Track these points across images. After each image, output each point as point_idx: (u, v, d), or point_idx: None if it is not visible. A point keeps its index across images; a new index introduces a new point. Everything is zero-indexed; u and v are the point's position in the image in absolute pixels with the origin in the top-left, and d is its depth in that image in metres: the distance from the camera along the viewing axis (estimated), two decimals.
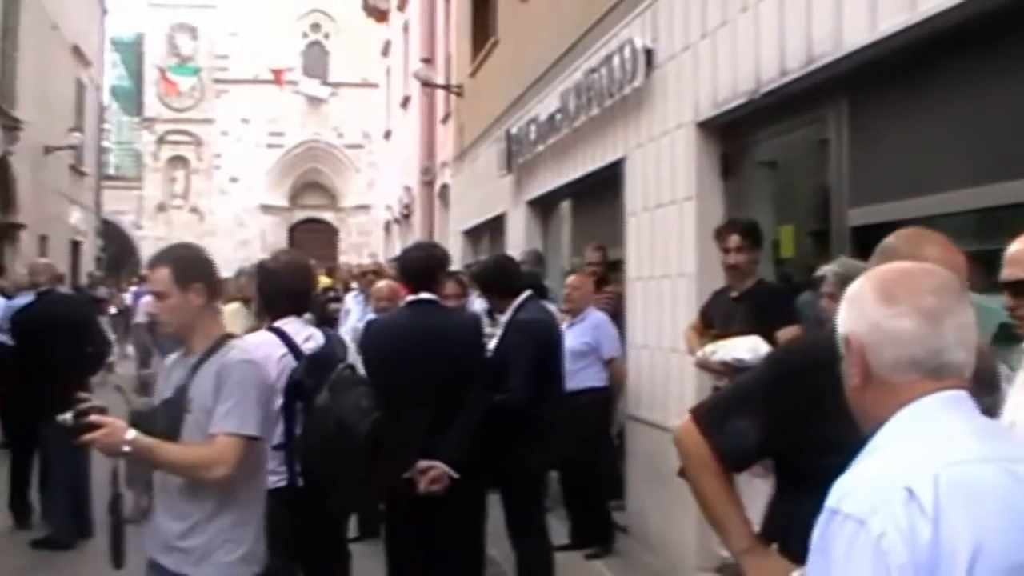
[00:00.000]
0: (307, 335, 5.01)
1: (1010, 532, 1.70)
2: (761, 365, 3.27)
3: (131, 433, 3.57)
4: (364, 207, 45.73)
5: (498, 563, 7.09)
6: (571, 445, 7.18)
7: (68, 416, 3.58)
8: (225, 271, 10.74)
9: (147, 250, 44.81)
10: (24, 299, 10.95)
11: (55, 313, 8.82)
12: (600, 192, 10.16)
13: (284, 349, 4.91)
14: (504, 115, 14.32)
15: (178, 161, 48.08)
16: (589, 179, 10.30)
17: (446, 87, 19.89)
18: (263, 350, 5.28)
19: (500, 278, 6.59)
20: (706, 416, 2.98)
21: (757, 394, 2.92)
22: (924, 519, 1.67)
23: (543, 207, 13.03)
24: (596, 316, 8.38)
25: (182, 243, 4.37)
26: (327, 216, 48.32)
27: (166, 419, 3.74)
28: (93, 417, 3.55)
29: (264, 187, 47.16)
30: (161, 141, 47.90)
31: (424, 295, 5.74)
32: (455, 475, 5.48)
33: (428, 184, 23.31)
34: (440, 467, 5.47)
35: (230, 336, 3.90)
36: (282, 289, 5.09)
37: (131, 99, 48.26)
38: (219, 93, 47.73)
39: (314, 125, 47.87)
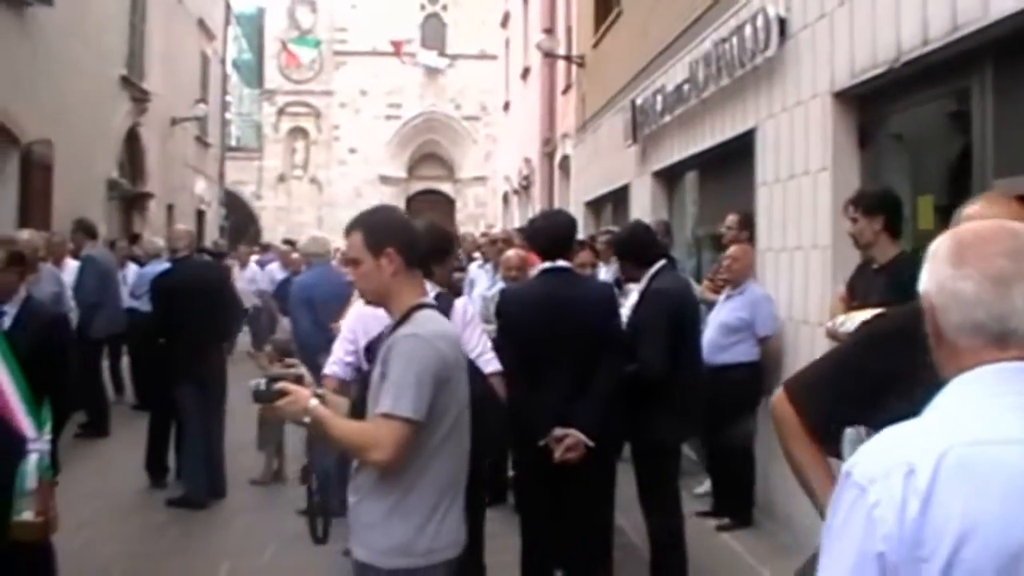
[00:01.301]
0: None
1: (1013, 518, 1.66)
2: (851, 336, 3.28)
3: (313, 402, 3.56)
4: (481, 178, 45.96)
5: (625, 532, 7.10)
6: (716, 418, 7.14)
7: (261, 381, 3.64)
8: (342, 242, 10.94)
9: (267, 220, 45.70)
10: (157, 266, 11.27)
11: (193, 279, 9.02)
12: (729, 163, 10.04)
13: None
14: (628, 86, 14.23)
15: (298, 132, 48.73)
16: (718, 150, 10.19)
17: (568, 58, 19.82)
18: (370, 311, 5.35)
19: (638, 246, 6.54)
20: (797, 387, 3.07)
21: (845, 365, 2.98)
22: (915, 496, 1.67)
23: (669, 178, 12.93)
24: (755, 291, 8.19)
25: (377, 207, 4.19)
26: (444, 187, 48.59)
27: (363, 392, 3.66)
28: (281, 385, 3.60)
29: (382, 158, 47.58)
30: (281, 113, 48.58)
31: (557, 263, 5.73)
32: (590, 443, 5.49)
33: (548, 155, 23.30)
34: (576, 435, 5.48)
35: (423, 305, 3.70)
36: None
37: (252, 72, 49.01)
38: (338, 65, 48.22)
39: (432, 97, 48.15)
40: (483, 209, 44.69)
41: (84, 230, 12.75)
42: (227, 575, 7.30)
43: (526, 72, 26.93)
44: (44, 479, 5.22)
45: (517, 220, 26.98)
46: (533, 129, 25.06)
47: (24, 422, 5.21)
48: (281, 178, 47.99)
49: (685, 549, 6.29)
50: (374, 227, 3.74)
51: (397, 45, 46.07)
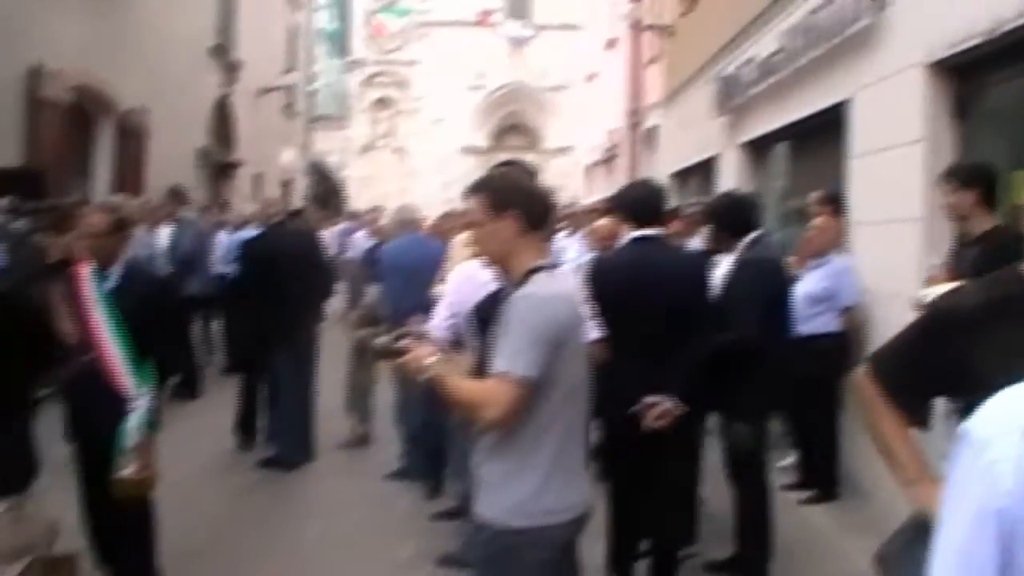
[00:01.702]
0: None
1: None
2: (927, 308, 3.32)
3: (432, 360, 3.64)
4: (564, 149, 45.84)
5: (709, 502, 7.11)
6: (801, 390, 7.13)
7: (388, 338, 3.75)
8: (428, 211, 11.06)
9: (352, 189, 46.02)
10: (247, 233, 11.47)
11: (286, 245, 9.16)
12: (820, 135, 9.95)
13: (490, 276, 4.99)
14: (717, 56, 14.14)
15: (383, 102, 49.03)
16: (809, 121, 10.10)
17: (656, 28, 19.71)
18: (471, 275, 5.42)
19: (733, 215, 6.50)
20: (880, 359, 3.18)
21: (922, 338, 3.05)
22: None
23: (757, 149, 12.84)
24: (839, 262, 8.17)
25: (500, 170, 4.26)
26: (528, 158, 48.57)
27: (482, 353, 3.70)
28: (405, 341, 3.70)
29: (466, 129, 47.71)
30: (367, 83, 48.88)
31: (648, 231, 5.75)
32: (680, 411, 5.51)
33: (634, 126, 23.21)
34: (666, 403, 5.51)
35: (542, 268, 3.70)
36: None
37: (338, 42, 49.26)
38: (424, 36, 48.36)
39: (516, 67, 48.10)
40: (566, 180, 44.56)
41: (177, 196, 13.01)
42: (315, 537, 7.44)
43: (612, 42, 26.82)
44: (145, 437, 5.38)
45: (601, 191, 26.91)
46: (619, 100, 24.96)
47: (127, 381, 5.36)
48: (366, 148, 48.35)
49: (770, 521, 6.31)
50: (498, 189, 3.78)
51: (483, 15, 46.08)
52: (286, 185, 28.78)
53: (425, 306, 7.90)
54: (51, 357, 4.37)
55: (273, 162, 27.06)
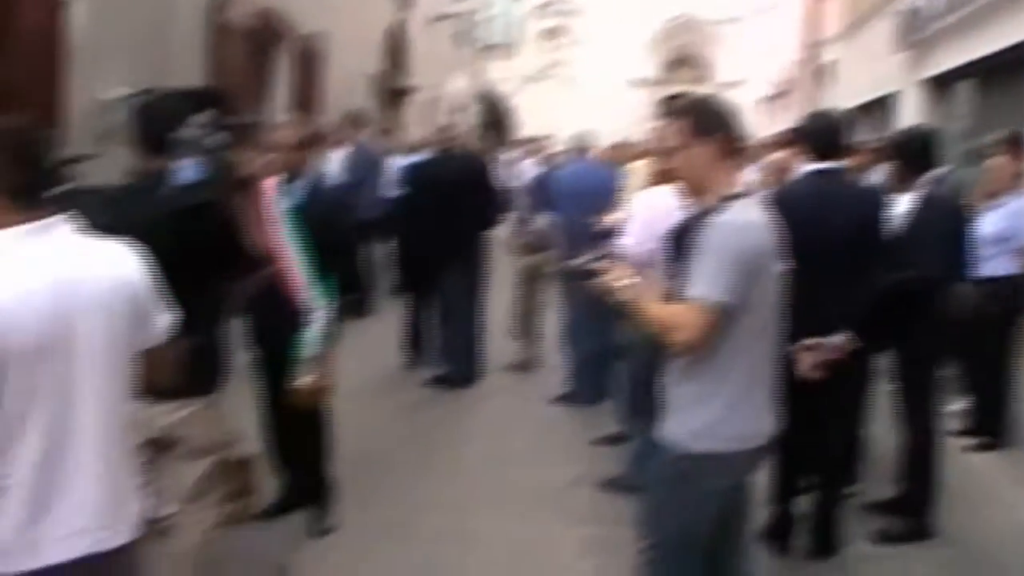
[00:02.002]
0: None
1: None
2: None
3: (627, 281, 3.76)
4: (737, 82, 45.01)
5: (871, 444, 7.03)
6: (975, 333, 6.98)
7: (586, 259, 3.89)
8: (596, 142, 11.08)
9: (520, 118, 46.10)
10: (419, 158, 11.66)
11: (458, 169, 9.31)
12: (1010, 71, 9.61)
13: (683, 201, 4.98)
14: None
15: (553, 32, 48.80)
16: (1000, 56, 9.75)
17: None
18: (660, 201, 5.42)
19: (920, 151, 6.33)
20: None
21: None
22: None
23: (940, 86, 12.47)
24: (1016, 203, 7.86)
25: (702, 95, 4.30)
26: (698, 91, 47.86)
27: (676, 277, 3.75)
28: (603, 263, 3.84)
29: (636, 60, 47.22)
30: (537, 12, 48.67)
31: (829, 164, 5.66)
32: (853, 347, 5.44)
33: (809, 60, 22.72)
34: (827, 346, 5.39)
35: (739, 195, 3.73)
36: None
37: None
38: None
39: None
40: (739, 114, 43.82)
41: (354, 119, 13.26)
42: (477, 455, 7.64)
43: None
44: (323, 348, 5.59)
45: (775, 125, 26.45)
46: (794, 34, 24.44)
47: (308, 293, 5.57)
48: (535, 77, 48.26)
49: (935, 465, 6.21)
50: (702, 114, 3.81)
51: None
52: (456, 112, 29.00)
53: (598, 232, 8.00)
54: (242, 267, 4.57)
55: (445, 88, 27.27)
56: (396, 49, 22.14)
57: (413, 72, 23.22)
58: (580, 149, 9.20)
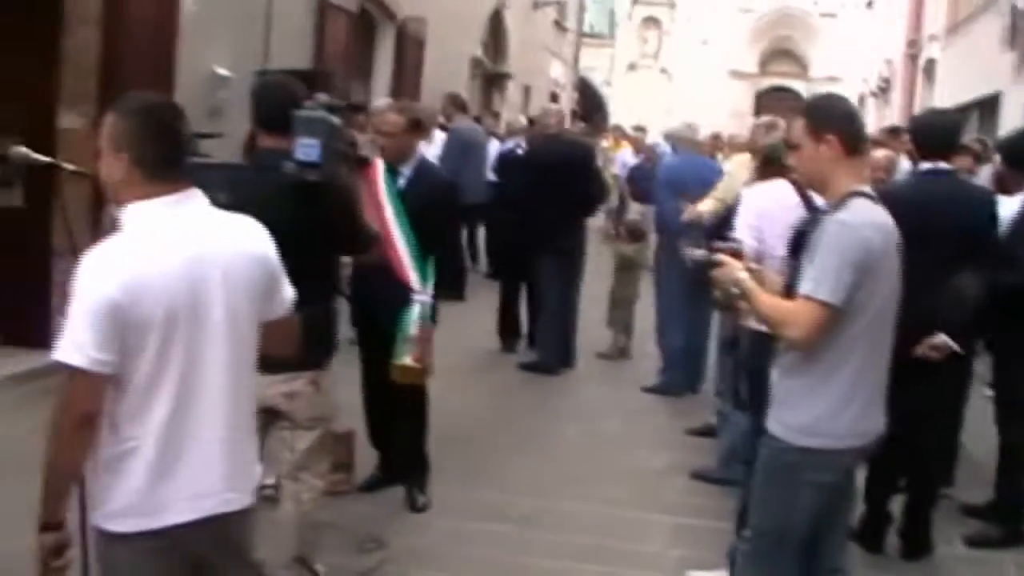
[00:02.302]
0: None
1: None
2: None
3: (743, 275, 3.80)
4: (834, 78, 44.45)
5: (965, 445, 6.97)
6: None
7: (702, 251, 3.96)
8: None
9: (614, 107, 46.04)
10: (514, 143, 11.77)
11: (561, 155, 9.36)
12: None
13: (798, 198, 4.99)
14: None
15: (651, 22, 48.70)
16: None
17: None
18: (773, 197, 5.42)
19: None
20: None
21: None
22: None
23: None
24: None
25: (825, 93, 4.34)
26: (795, 85, 47.37)
27: (794, 273, 3.78)
28: (719, 256, 3.89)
29: (734, 52, 46.88)
30: (635, 1, 48.58)
31: (941, 164, 5.62)
32: (957, 348, 5.42)
33: (912, 57, 22.41)
34: (943, 339, 5.39)
35: (859, 193, 3.71)
36: None
37: None
38: None
39: None
40: None
41: (455, 103, 13.38)
42: (571, 438, 7.75)
43: None
44: (425, 328, 5.71)
45: (873, 123, 26.15)
46: (898, 29, 24.13)
47: (412, 274, 5.69)
48: (631, 66, 48.19)
49: None
50: (817, 113, 3.84)
51: None
52: (553, 99, 29.08)
53: (693, 224, 8.03)
54: (358, 245, 4.69)
55: (541, 75, 27.36)
56: (495, 34, 22.27)
57: (511, 58, 23.33)
58: (686, 139, 9.18)
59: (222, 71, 10.35)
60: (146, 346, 2.77)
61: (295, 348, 3.35)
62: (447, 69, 17.96)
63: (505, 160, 10.05)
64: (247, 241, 3.05)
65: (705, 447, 7.47)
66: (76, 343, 2.70)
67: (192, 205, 2.95)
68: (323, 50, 12.76)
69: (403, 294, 5.68)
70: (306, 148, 4.15)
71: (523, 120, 14.15)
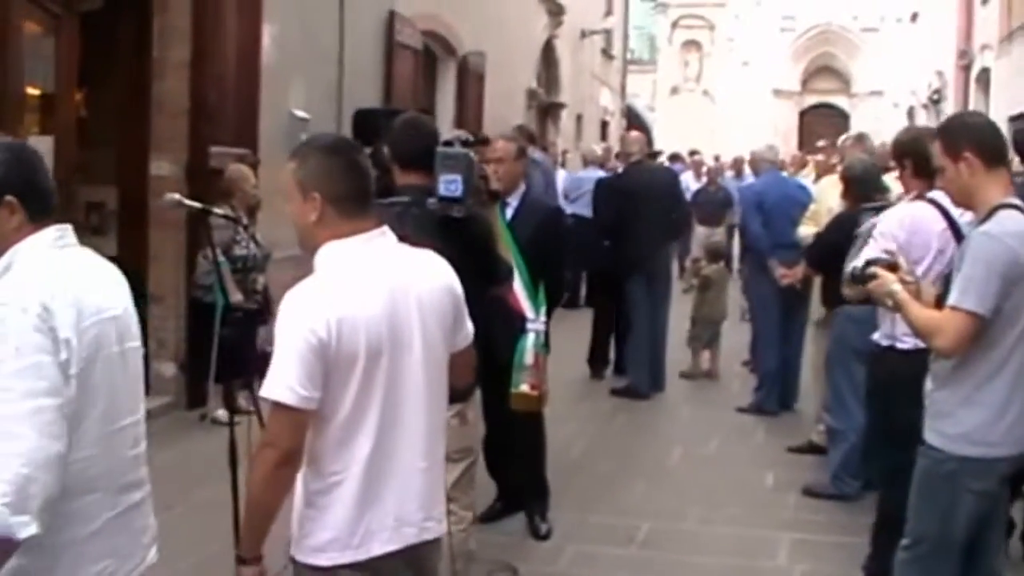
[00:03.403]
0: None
1: None
2: None
3: (896, 287, 3.88)
4: (877, 92, 44.36)
5: None
6: None
7: (858, 264, 4.08)
8: (735, 153, 11.13)
9: (659, 132, 46.07)
10: (593, 172, 11.88)
11: (647, 181, 9.49)
12: None
13: (943, 223, 4.96)
14: None
15: (691, 45, 48.64)
16: None
17: None
18: (915, 222, 5.40)
19: None
20: None
21: None
22: None
23: None
24: None
25: (955, 113, 4.40)
26: (838, 101, 47.26)
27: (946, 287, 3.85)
28: (873, 268, 3.97)
29: (776, 71, 46.74)
30: (675, 25, 48.61)
31: None
32: None
33: (964, 68, 22.36)
34: None
35: (1006, 205, 3.74)
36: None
37: None
38: None
39: (828, 7, 46.65)
40: (879, 124, 43.17)
41: (525, 135, 13.49)
42: (678, 460, 7.83)
43: None
44: (539, 356, 5.79)
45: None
46: (947, 40, 24.10)
47: (525, 304, 5.78)
48: (674, 90, 48.17)
49: None
50: (948, 133, 3.94)
51: None
52: (604, 127, 29.22)
53: (787, 243, 8.11)
54: (498, 276, 4.79)
55: (591, 104, 27.48)
56: (547, 65, 22.46)
57: (563, 87, 23.50)
58: (768, 160, 9.28)
59: (300, 113, 10.54)
60: (350, 381, 2.84)
61: (473, 380, 3.44)
62: (506, 101, 18.14)
63: (602, 187, 10.12)
64: (437, 274, 3.15)
65: (807, 463, 7.55)
66: (283, 380, 2.77)
67: (385, 240, 3.05)
68: (392, 87, 12.98)
69: (518, 323, 5.76)
70: (449, 184, 4.27)
71: (598, 150, 14.32)
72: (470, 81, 16.33)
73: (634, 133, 10.81)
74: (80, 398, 2.51)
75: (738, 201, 10.14)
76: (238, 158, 8.77)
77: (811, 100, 47.65)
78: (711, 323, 10.47)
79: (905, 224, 5.13)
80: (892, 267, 3.98)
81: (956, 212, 4.87)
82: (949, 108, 23.63)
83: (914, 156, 5.40)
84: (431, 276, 3.12)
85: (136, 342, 2.82)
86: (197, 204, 4.48)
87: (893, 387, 5.01)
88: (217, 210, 4.62)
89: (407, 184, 4.46)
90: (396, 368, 2.93)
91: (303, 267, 3.05)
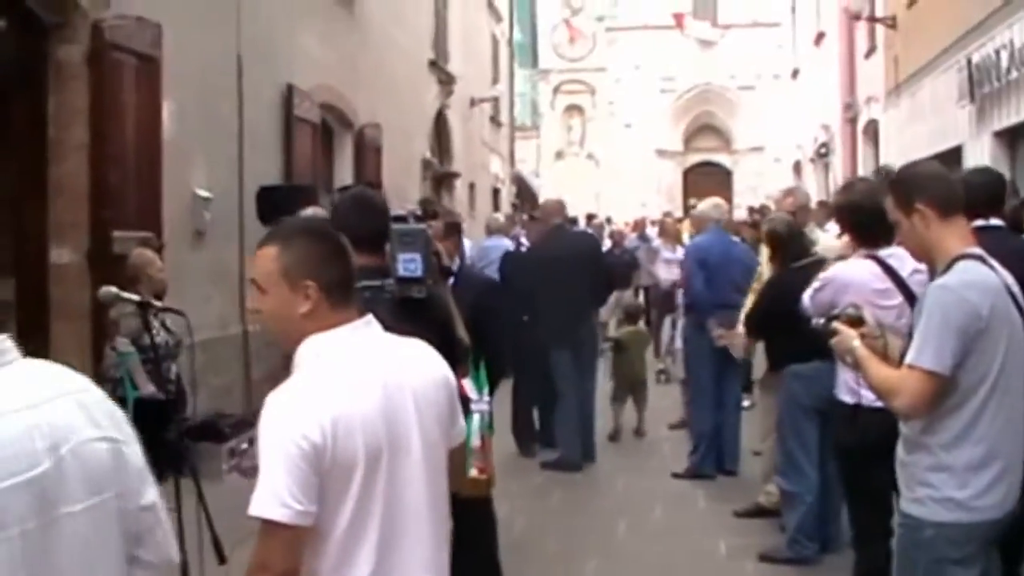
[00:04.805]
0: (914, 268, 4.75)
1: None
2: None
3: (855, 343, 3.73)
4: (758, 148, 45.22)
5: None
6: None
7: (822, 320, 3.92)
8: (622, 214, 11.17)
9: (544, 196, 46.23)
10: (499, 241, 11.68)
11: (569, 247, 9.29)
12: None
13: (887, 283, 4.89)
14: (958, 43, 13.79)
15: (573, 109, 49.13)
16: None
17: (878, 19, 19.31)
18: (844, 281, 5.29)
19: None
20: None
21: None
22: None
23: (1012, 138, 12.45)
24: None
25: (905, 164, 4.25)
26: (720, 159, 48.03)
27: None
28: (834, 324, 3.82)
29: (658, 132, 47.37)
30: (557, 91, 49.06)
31: (993, 221, 5.59)
32: None
33: (850, 121, 22.80)
34: None
35: (966, 256, 3.55)
36: (875, 213, 4.62)
37: (526, 52, 49.45)
38: (611, 42, 48.29)
39: (705, 68, 47.54)
40: (761, 179, 43.85)
41: (431, 209, 13.32)
42: (625, 532, 7.55)
43: (820, 37, 26.39)
44: (486, 436, 5.52)
45: (814, 188, 26.54)
46: (831, 95, 24.58)
47: (467, 384, 5.50)
48: (559, 155, 48.50)
49: None
50: (899, 185, 3.76)
51: (679, 17, 45.76)
52: (495, 194, 29.17)
53: (727, 302, 7.99)
54: (457, 357, 4.51)
55: (483, 171, 27.44)
56: (440, 134, 22.35)
57: (455, 156, 23.41)
58: (711, 218, 9.15)
59: (203, 192, 10.19)
60: (348, 491, 2.53)
61: (461, 482, 3.17)
62: (403, 172, 17.95)
63: (510, 258, 9.89)
64: (429, 365, 2.88)
65: (756, 528, 7.39)
66: (274, 495, 2.45)
67: (372, 330, 2.77)
68: (292, 162, 12.68)
69: (462, 404, 5.47)
70: (408, 263, 4.01)
71: (501, 218, 14.17)
72: (367, 153, 16.07)
73: (552, 200, 10.64)
74: None
75: (680, 258, 10.06)
76: (141, 242, 8.33)
77: (694, 159, 48.36)
78: (633, 383, 10.41)
79: (832, 283, 5.08)
80: (857, 321, 3.83)
81: (905, 270, 4.86)
82: (837, 160, 24.08)
83: (852, 218, 5.34)
84: (425, 368, 2.85)
85: (96, 497, 2.01)
86: (135, 297, 4.14)
87: (865, 448, 4.83)
88: (156, 303, 4.26)
89: (359, 266, 4.17)
90: (396, 473, 2.63)
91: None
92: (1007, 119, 12.12)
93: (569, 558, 6.95)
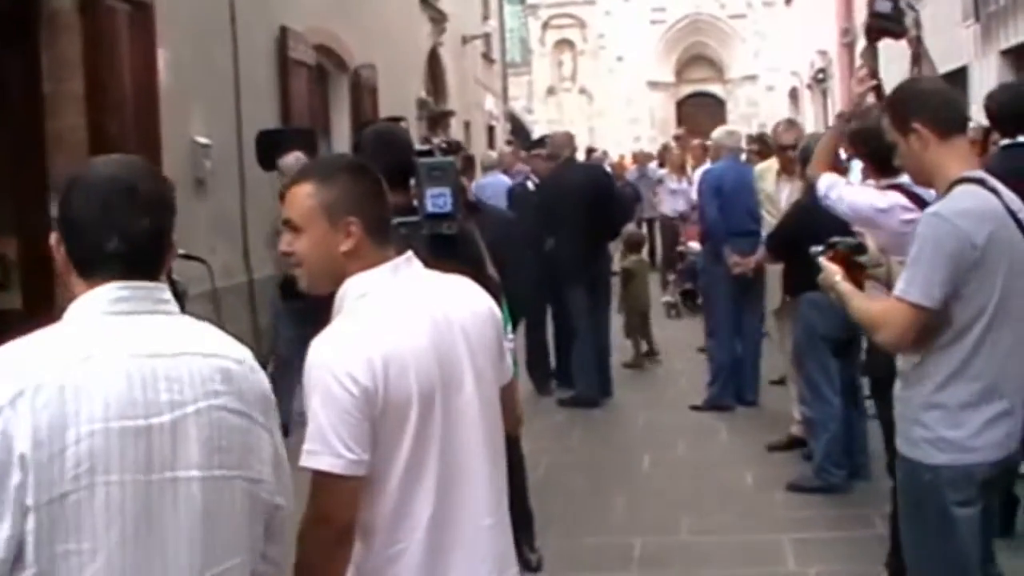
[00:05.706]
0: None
1: None
2: None
3: (838, 279, 3.56)
4: (751, 77, 44.92)
5: None
6: None
7: (818, 248, 3.70)
8: (617, 148, 11.07)
9: (538, 133, 45.88)
10: (494, 178, 11.56)
11: (581, 181, 9.13)
12: None
13: (913, 212, 4.71)
14: None
15: (564, 44, 48.67)
16: None
17: None
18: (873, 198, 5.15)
19: None
20: None
21: None
22: None
23: (1020, 57, 12.24)
24: None
25: (902, 82, 4.02)
26: (714, 89, 47.71)
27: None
28: (821, 260, 3.63)
29: (650, 64, 47.00)
30: (546, 26, 48.59)
31: (1020, 138, 5.48)
32: None
33: (848, 45, 22.50)
34: None
35: (965, 179, 3.31)
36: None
37: None
38: None
39: None
40: (755, 108, 43.55)
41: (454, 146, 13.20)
42: (651, 466, 7.51)
43: None
44: (511, 376, 5.40)
45: (811, 115, 26.33)
46: (827, 19, 24.26)
47: None
48: (551, 91, 48.13)
49: None
50: (895, 104, 3.57)
51: None
52: (490, 131, 28.93)
53: (743, 229, 7.90)
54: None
55: (477, 110, 27.19)
56: (434, 73, 22.11)
57: (450, 95, 23.18)
58: (727, 146, 9.01)
59: (202, 139, 10.03)
60: (403, 433, 2.42)
61: (519, 422, 3.07)
62: (398, 112, 17.58)
63: (517, 195, 9.70)
64: (476, 300, 2.76)
65: (781, 458, 7.37)
66: (326, 445, 2.34)
67: (413, 267, 2.64)
68: (289, 106, 12.49)
69: None
70: (437, 198, 3.87)
71: (493, 154, 14.03)
72: (363, 95, 15.87)
73: (561, 132, 10.48)
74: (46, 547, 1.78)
75: (696, 186, 9.86)
76: None
77: (687, 90, 48.06)
78: (639, 313, 10.37)
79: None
80: (857, 249, 3.68)
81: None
82: (835, 85, 23.83)
83: (869, 145, 5.10)
84: (472, 304, 2.73)
85: (220, 470, 1.97)
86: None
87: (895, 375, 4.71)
88: (179, 250, 4.11)
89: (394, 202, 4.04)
90: (450, 412, 2.52)
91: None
92: (1014, 38, 11.90)
93: (596, 495, 6.88)
